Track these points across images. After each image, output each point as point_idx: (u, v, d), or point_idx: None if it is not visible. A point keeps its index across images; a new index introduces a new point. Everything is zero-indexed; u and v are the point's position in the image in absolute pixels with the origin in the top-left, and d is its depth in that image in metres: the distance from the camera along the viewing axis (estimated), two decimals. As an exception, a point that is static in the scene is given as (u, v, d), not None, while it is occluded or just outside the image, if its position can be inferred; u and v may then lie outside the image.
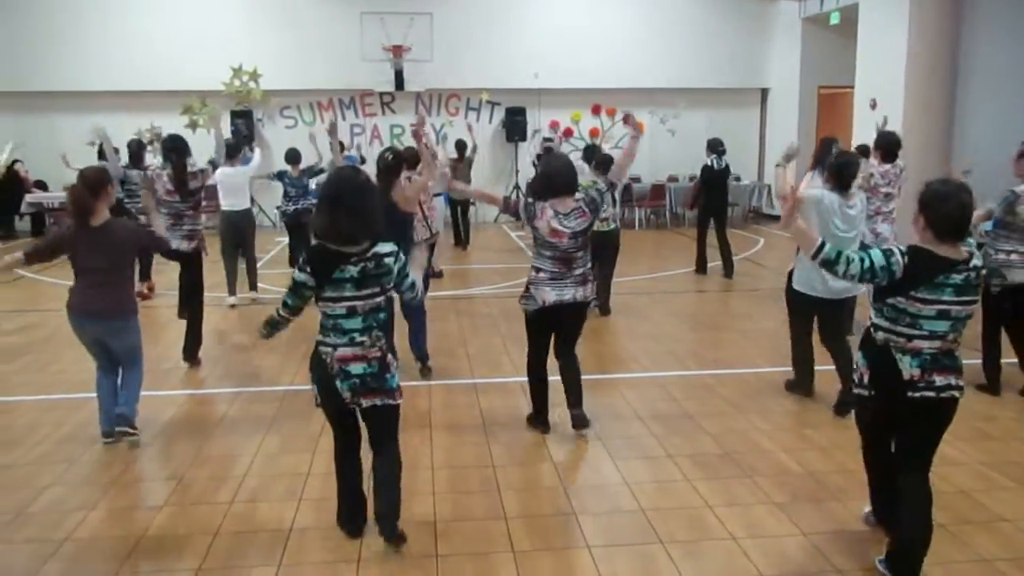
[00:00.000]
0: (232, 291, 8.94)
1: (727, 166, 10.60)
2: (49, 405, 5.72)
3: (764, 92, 17.13)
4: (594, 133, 16.92)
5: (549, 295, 4.70)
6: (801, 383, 5.67)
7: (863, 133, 8.69)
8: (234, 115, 15.38)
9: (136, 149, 9.60)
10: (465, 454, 4.68)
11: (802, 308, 5.45)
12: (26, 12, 15.01)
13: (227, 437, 5.08)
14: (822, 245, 3.31)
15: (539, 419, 5.07)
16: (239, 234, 8.96)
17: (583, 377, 5.02)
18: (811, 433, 5.00)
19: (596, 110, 16.87)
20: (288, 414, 5.45)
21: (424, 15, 15.33)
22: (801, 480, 4.33)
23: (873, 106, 12.64)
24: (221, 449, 4.90)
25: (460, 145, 12.81)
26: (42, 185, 15.34)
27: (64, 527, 3.88)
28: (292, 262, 11.03)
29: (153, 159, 10.21)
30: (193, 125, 14.76)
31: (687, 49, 16.34)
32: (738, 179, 16.65)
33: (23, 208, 14.95)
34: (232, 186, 8.85)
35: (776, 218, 16.05)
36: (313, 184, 10.19)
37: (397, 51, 15.28)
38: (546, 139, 14.31)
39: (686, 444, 4.84)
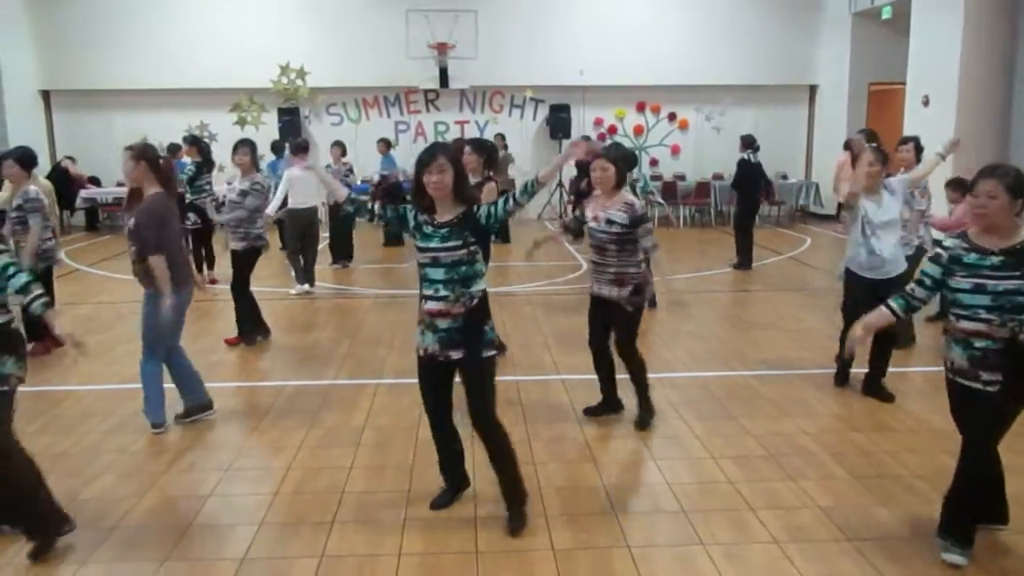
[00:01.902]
0: (301, 280, 9.31)
1: (759, 163, 10.74)
2: (101, 395, 5.86)
3: (812, 89, 16.87)
4: (638, 131, 16.84)
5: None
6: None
7: (914, 131, 8.50)
8: (281, 112, 15.60)
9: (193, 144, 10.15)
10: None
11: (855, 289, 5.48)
12: (82, 12, 15.39)
13: (272, 429, 5.16)
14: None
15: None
16: (310, 229, 9.33)
17: (624, 376, 5.01)
18: (857, 437, 4.92)
19: (641, 107, 16.77)
20: (332, 408, 5.51)
21: (469, 12, 15.39)
22: (846, 484, 4.26)
23: (926, 103, 12.38)
24: (266, 441, 4.97)
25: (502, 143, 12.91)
26: (96, 181, 15.71)
27: (114, 514, 3.97)
28: (335, 256, 11.19)
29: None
30: (242, 122, 15.02)
31: (734, 45, 16.16)
32: (785, 177, 16.44)
33: (78, 203, 15.32)
34: (303, 186, 9.15)
35: (823, 217, 15.82)
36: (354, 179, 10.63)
37: (442, 48, 15.36)
38: (584, 137, 14.27)
39: (729, 445, 4.80)
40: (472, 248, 3.60)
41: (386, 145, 13.45)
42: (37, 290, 3.54)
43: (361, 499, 4.12)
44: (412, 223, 3.65)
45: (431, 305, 3.62)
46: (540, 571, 3.44)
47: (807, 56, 16.49)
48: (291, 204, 9.23)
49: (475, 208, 3.60)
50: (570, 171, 13.80)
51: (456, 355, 3.63)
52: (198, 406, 5.23)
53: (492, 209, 3.59)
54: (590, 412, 5.24)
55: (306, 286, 9.35)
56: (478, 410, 3.71)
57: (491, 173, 6.35)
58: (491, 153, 6.39)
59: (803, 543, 3.64)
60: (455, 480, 4.05)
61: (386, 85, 16.06)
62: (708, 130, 15.93)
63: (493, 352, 3.71)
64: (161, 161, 5.01)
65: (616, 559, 3.54)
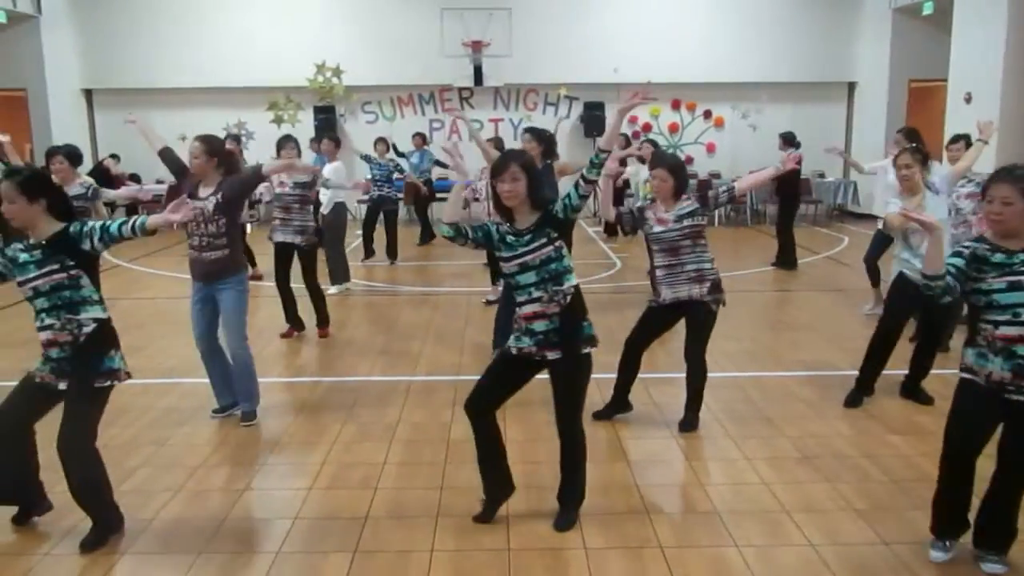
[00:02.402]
0: (347, 278, 9.37)
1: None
2: (139, 389, 5.94)
3: (851, 86, 16.63)
4: (673, 128, 16.72)
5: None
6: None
7: (956, 129, 8.36)
8: (317, 111, 15.75)
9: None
10: (539, 450, 4.68)
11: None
12: (123, 13, 15.65)
13: (307, 425, 5.20)
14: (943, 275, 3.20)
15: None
16: (345, 227, 9.41)
17: (659, 375, 4.98)
18: (895, 440, 4.84)
19: (676, 105, 16.64)
20: (365, 404, 5.55)
21: (503, 10, 15.39)
22: (883, 488, 4.20)
23: (968, 100, 12.14)
24: (301, 436, 5.02)
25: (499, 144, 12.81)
26: (136, 179, 15.97)
27: (152, 507, 4.04)
28: (367, 248, 11.27)
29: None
30: (278, 120, 15.17)
31: (771, 41, 15.98)
32: (822, 176, 16.24)
33: (118, 201, 15.56)
34: (344, 180, 9.21)
35: (861, 216, 15.59)
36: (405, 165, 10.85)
37: (476, 46, 15.39)
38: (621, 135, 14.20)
39: (763, 447, 4.75)
40: (557, 243, 3.59)
41: (421, 140, 13.51)
42: (129, 217, 3.60)
43: (394, 495, 4.15)
44: (496, 236, 3.65)
45: (526, 309, 3.62)
46: (573, 570, 3.43)
47: (846, 53, 16.26)
48: (338, 199, 9.27)
49: (551, 208, 3.58)
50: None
51: (553, 355, 3.62)
52: (235, 402, 5.30)
53: (567, 201, 3.57)
54: (601, 416, 5.16)
55: (347, 285, 9.42)
56: (568, 409, 3.70)
57: (550, 161, 6.39)
58: (549, 143, 6.43)
59: (838, 546, 3.60)
60: (500, 487, 3.84)
61: (421, 83, 16.12)
62: (744, 128, 15.78)
63: (589, 350, 3.69)
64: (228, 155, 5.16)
65: (648, 559, 3.52)
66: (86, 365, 3.56)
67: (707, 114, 16.70)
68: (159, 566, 3.51)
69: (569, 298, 3.61)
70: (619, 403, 5.19)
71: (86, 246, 3.52)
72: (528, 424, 5.02)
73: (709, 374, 5.06)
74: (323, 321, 7.39)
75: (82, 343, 3.54)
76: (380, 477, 4.36)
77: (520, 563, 3.49)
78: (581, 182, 3.55)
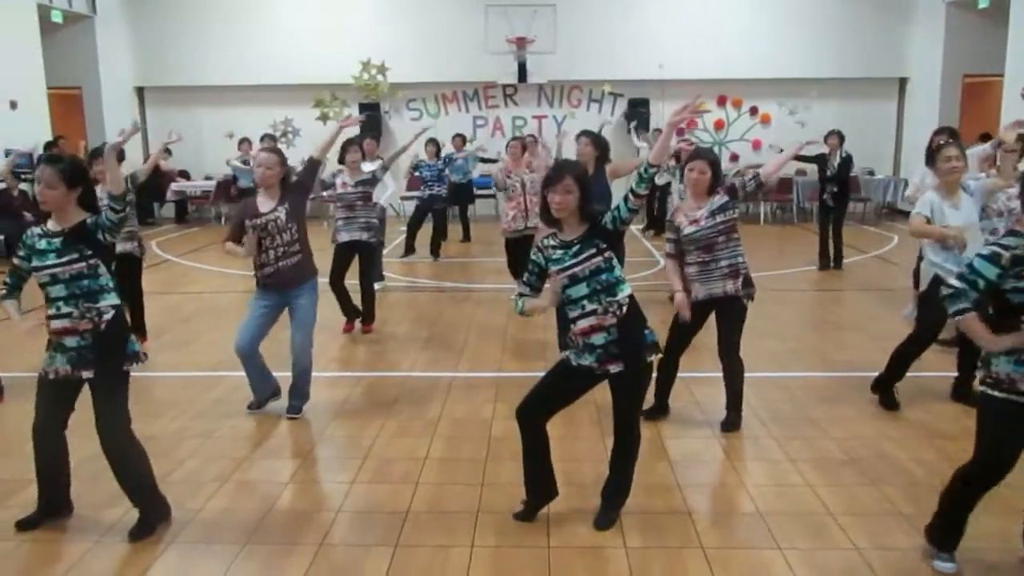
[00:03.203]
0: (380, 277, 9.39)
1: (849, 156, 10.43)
2: (187, 382, 6.07)
3: (902, 82, 16.29)
4: (719, 125, 16.55)
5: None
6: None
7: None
8: (362, 108, 15.89)
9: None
10: (580, 448, 4.67)
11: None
12: (174, 13, 15.94)
13: (350, 419, 5.26)
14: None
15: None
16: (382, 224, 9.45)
17: (701, 375, 4.94)
18: (945, 444, 4.74)
19: (722, 101, 16.46)
20: (407, 399, 5.59)
21: (547, 6, 15.35)
22: (931, 492, 4.07)
23: (1025, 96, 11.83)
24: (344, 430, 5.08)
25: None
26: (185, 175, 16.29)
27: (199, 497, 4.11)
28: (409, 246, 11.35)
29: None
30: (324, 118, 15.33)
31: (819, 36, 15.72)
32: (871, 173, 15.94)
33: (168, 196, 15.90)
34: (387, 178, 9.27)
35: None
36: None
37: (520, 43, 15.38)
38: (655, 131, 14.12)
39: (808, 448, 4.68)
40: (607, 254, 3.54)
41: (462, 141, 13.54)
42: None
43: (435, 491, 4.17)
44: (543, 261, 3.63)
45: (581, 324, 3.58)
46: (612, 570, 3.42)
47: (897, 47, 15.93)
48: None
49: (600, 219, 3.55)
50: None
51: (616, 368, 3.59)
52: (272, 394, 5.40)
53: (616, 213, 3.52)
54: (647, 415, 5.11)
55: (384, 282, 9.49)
56: (630, 409, 3.71)
57: (603, 165, 6.37)
58: (604, 148, 6.37)
59: (884, 551, 3.54)
60: (544, 492, 3.83)
61: (465, 80, 16.16)
62: (791, 125, 15.51)
63: (652, 358, 3.68)
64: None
65: (689, 560, 3.49)
66: (112, 351, 3.62)
67: (753, 110, 16.49)
68: (205, 555, 3.57)
69: (625, 308, 3.58)
70: (663, 407, 5.16)
71: (100, 237, 3.59)
72: (571, 421, 5.01)
73: (753, 374, 5.01)
74: (371, 318, 7.48)
75: (105, 330, 3.60)
76: (421, 472, 4.39)
77: (560, 561, 3.48)
78: (631, 196, 3.48)
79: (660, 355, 3.68)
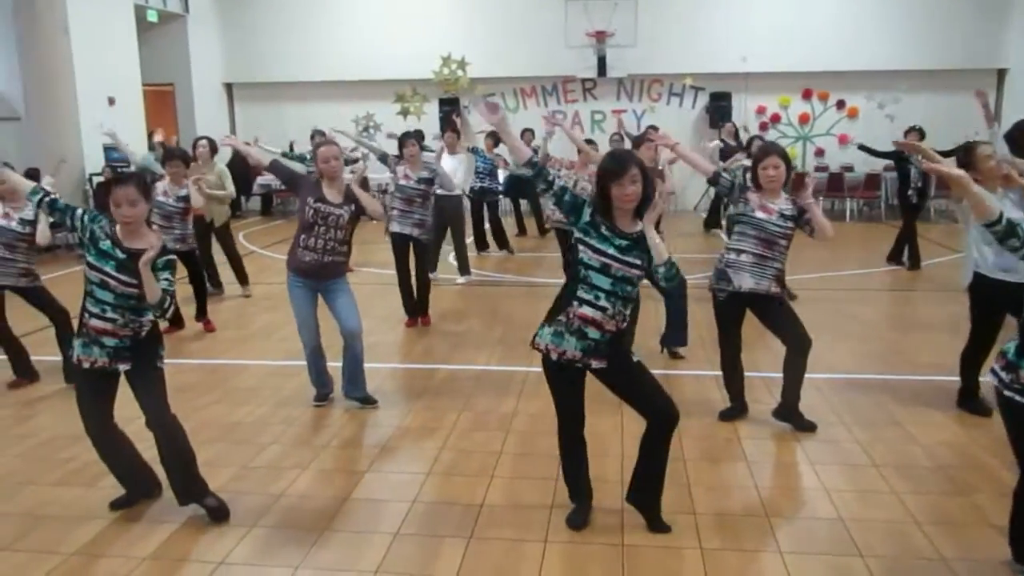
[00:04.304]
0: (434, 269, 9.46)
1: None
2: (271, 370, 6.24)
3: (1000, 73, 15.56)
4: (804, 119, 16.14)
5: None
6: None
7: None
8: (442, 102, 16.04)
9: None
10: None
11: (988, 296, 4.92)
12: (262, 11, 16.39)
13: (426, 412, 5.33)
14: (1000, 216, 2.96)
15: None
16: (448, 219, 9.50)
17: (779, 375, 4.85)
18: (1040, 452, 4.53)
19: (807, 95, 16.04)
20: (483, 393, 5.63)
21: None
22: (1026, 502, 3.94)
23: None
24: (420, 422, 5.15)
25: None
26: (271, 169, 16.70)
27: (280, 483, 4.23)
28: (478, 240, 11.41)
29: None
30: (404, 113, 15.55)
31: (910, 26, 15.14)
32: (965, 169, 15.30)
33: (254, 189, 16.36)
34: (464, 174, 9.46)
35: None
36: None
37: (600, 36, 15.29)
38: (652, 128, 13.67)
39: (892, 453, 4.54)
40: (643, 271, 3.48)
41: (532, 136, 13.54)
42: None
43: (509, 484, 4.20)
44: (588, 219, 3.47)
45: (585, 311, 3.47)
46: (687, 570, 3.39)
47: (995, 37, 15.21)
48: (454, 192, 9.39)
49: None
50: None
51: (598, 365, 3.54)
52: (330, 389, 5.53)
53: (667, 271, 3.44)
54: (727, 416, 5.07)
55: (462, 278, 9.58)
56: (648, 390, 3.60)
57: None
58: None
59: (973, 562, 3.40)
60: (587, 493, 3.84)
61: (543, 75, 16.15)
62: (880, 119, 15.01)
63: (637, 358, 3.63)
64: None
65: (766, 563, 3.43)
66: (148, 355, 3.77)
67: (840, 104, 16.02)
68: (285, 540, 3.67)
69: (627, 323, 3.58)
70: (737, 407, 5.09)
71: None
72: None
73: (834, 375, 4.90)
74: (425, 309, 7.62)
75: (144, 338, 3.74)
76: (496, 466, 4.42)
77: (633, 559, 3.46)
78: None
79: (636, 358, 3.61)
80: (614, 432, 4.78)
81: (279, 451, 4.68)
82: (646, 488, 3.70)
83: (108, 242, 3.64)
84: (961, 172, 2.99)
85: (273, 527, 3.78)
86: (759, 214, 4.66)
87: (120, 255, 3.62)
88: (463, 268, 9.56)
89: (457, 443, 4.77)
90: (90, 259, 3.65)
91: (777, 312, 4.79)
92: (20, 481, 4.31)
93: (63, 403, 5.47)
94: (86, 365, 3.73)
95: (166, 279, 3.66)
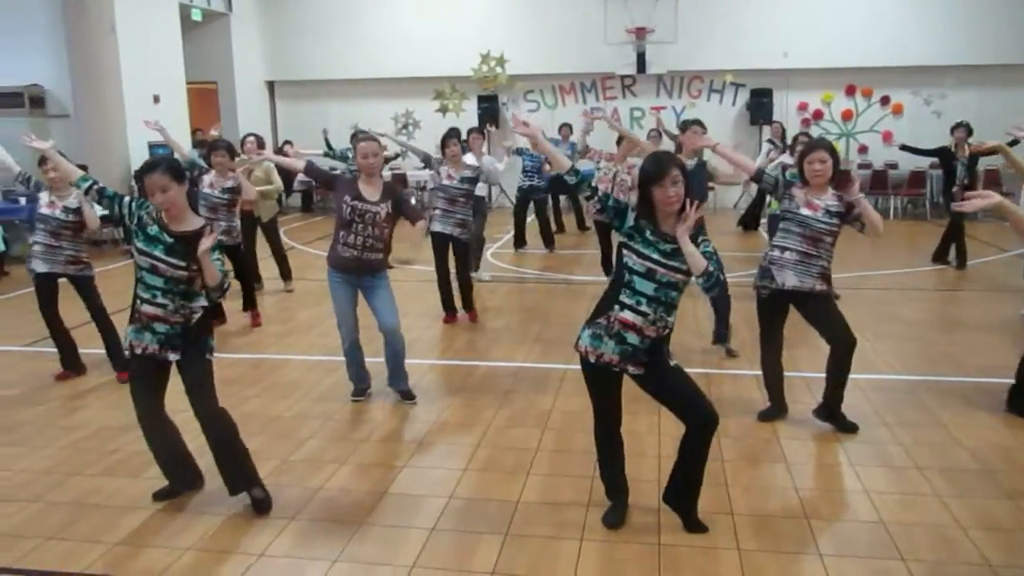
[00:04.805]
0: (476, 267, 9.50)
1: None
2: (310, 365, 6.31)
3: (1053, 68, 15.16)
4: (847, 116, 15.88)
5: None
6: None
7: None
8: (480, 99, 16.07)
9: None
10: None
11: None
12: (303, 9, 16.55)
13: (463, 407, 5.35)
14: None
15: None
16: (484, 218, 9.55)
17: (822, 375, 4.78)
18: (1091, 457, 4.42)
19: (851, 91, 15.77)
20: (520, 390, 5.64)
21: (669, -5, 15.11)
22: (1076, 508, 3.84)
23: None
24: (457, 418, 5.17)
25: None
26: (311, 165, 16.87)
27: (319, 477, 4.28)
28: (520, 238, 11.41)
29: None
30: (443, 110, 15.60)
31: (956, 19, 14.77)
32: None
33: (295, 186, 16.55)
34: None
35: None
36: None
37: (640, 33, 15.19)
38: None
39: (937, 456, 4.45)
40: (687, 278, 3.44)
41: (569, 131, 13.51)
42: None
43: (546, 481, 4.20)
44: (632, 223, 3.45)
45: (626, 315, 3.44)
46: (724, 571, 3.36)
47: (1048, 31, 14.82)
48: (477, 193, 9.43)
49: (697, 237, 3.42)
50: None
51: (635, 371, 3.51)
52: (369, 385, 5.56)
53: (705, 282, 3.39)
54: (766, 416, 5.00)
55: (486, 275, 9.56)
56: (686, 393, 3.54)
57: (703, 160, 6.26)
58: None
59: (1021, 569, 3.33)
60: (622, 491, 3.82)
61: (583, 71, 16.09)
62: (926, 115, 14.73)
63: (673, 362, 3.56)
64: None
65: (805, 565, 3.39)
66: (198, 343, 3.82)
67: (884, 100, 15.74)
68: (324, 533, 3.71)
69: (668, 331, 3.51)
70: (776, 408, 5.02)
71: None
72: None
73: (876, 375, 4.82)
74: (471, 305, 7.63)
75: (193, 326, 3.78)
76: (533, 463, 4.43)
77: (670, 558, 3.45)
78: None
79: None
80: (651, 432, 4.76)
81: (318, 445, 4.73)
82: (683, 489, 3.67)
83: (155, 227, 3.71)
84: (992, 200, 2.92)
85: (312, 520, 3.83)
86: (804, 211, 4.60)
87: (168, 239, 3.69)
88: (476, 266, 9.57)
89: (494, 439, 4.78)
90: (139, 244, 3.72)
91: (822, 310, 4.72)
92: (68, 471, 4.41)
93: (110, 396, 5.59)
94: (138, 351, 3.81)
95: (217, 259, 3.73)
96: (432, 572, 3.39)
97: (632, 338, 3.45)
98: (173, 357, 3.79)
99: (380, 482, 4.23)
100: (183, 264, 3.68)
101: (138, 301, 3.77)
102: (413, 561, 3.45)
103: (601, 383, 3.64)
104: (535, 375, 5.98)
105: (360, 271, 5.19)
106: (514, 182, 12.01)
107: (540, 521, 3.78)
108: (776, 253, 4.72)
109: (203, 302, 3.81)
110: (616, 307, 3.48)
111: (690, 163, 5.81)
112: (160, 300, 3.72)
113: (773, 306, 4.83)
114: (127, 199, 3.81)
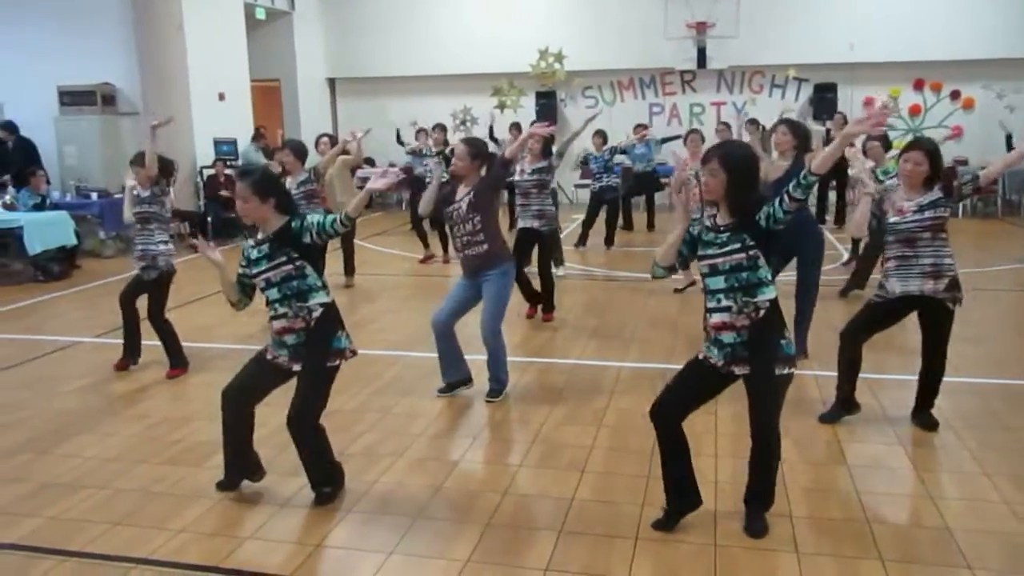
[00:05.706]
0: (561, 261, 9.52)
1: None
2: (369, 360, 6.36)
3: None
4: (915, 111, 15.45)
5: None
6: None
7: None
8: (538, 96, 16.06)
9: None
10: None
11: None
12: (357, 5, 16.79)
13: (519, 404, 5.35)
14: None
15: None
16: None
17: (887, 376, 4.67)
18: None
19: (919, 85, 15.33)
20: (575, 387, 5.62)
21: (731, -10, 14.89)
22: None
23: None
24: (513, 414, 5.18)
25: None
26: (370, 162, 17.06)
27: (375, 470, 4.33)
28: (584, 237, 11.37)
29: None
30: (501, 106, 15.62)
31: (1033, 11, 14.27)
32: (1094, 163, 14.36)
33: (354, 183, 16.73)
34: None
35: None
36: (619, 159, 11.34)
37: (701, 28, 15.01)
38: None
39: (1007, 462, 4.31)
40: (752, 252, 3.34)
41: (644, 129, 13.39)
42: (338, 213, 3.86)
43: (601, 479, 4.18)
44: (694, 231, 3.49)
45: (715, 318, 3.42)
46: (782, 572, 3.30)
47: None
48: None
49: (755, 213, 3.34)
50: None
51: (741, 371, 3.44)
52: (460, 380, 5.51)
53: (771, 210, 3.30)
54: (827, 419, 4.87)
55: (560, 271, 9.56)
56: (762, 418, 3.48)
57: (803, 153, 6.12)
58: (805, 137, 6.01)
59: (1095, 581, 3.21)
60: (685, 498, 3.65)
61: (641, 67, 15.96)
62: (999, 110, 14.23)
63: (787, 371, 3.42)
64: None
65: (866, 571, 3.31)
66: (318, 347, 3.83)
67: (954, 95, 15.26)
68: (379, 527, 3.75)
69: (762, 312, 3.37)
70: (845, 404, 4.89)
71: (307, 239, 3.78)
72: (740, 420, 4.88)
73: (946, 378, 4.67)
74: (550, 306, 7.52)
75: (313, 327, 3.81)
76: (588, 460, 4.41)
77: (726, 560, 3.40)
78: (787, 198, 3.27)
79: (792, 369, 3.45)
80: (707, 432, 4.70)
81: (374, 439, 4.79)
82: (750, 494, 3.65)
83: (254, 250, 3.83)
84: None
85: (368, 513, 3.88)
86: (893, 218, 4.53)
87: (265, 247, 3.79)
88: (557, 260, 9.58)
89: (549, 436, 4.77)
90: (253, 272, 3.83)
91: (934, 324, 4.63)
92: (135, 459, 4.55)
93: (173, 387, 5.74)
94: (269, 357, 3.91)
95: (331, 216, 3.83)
96: (486, 567, 3.40)
97: (727, 337, 3.42)
98: (295, 367, 3.86)
99: (435, 476, 4.26)
100: (284, 259, 3.75)
101: (271, 321, 3.87)
102: (468, 556, 3.47)
103: (699, 369, 3.56)
104: (590, 372, 5.95)
105: (473, 272, 5.26)
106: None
107: (594, 519, 3.77)
108: (888, 264, 4.65)
109: (320, 299, 3.83)
110: (707, 315, 3.50)
111: (784, 164, 5.71)
112: (280, 310, 3.80)
113: (876, 311, 4.71)
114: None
